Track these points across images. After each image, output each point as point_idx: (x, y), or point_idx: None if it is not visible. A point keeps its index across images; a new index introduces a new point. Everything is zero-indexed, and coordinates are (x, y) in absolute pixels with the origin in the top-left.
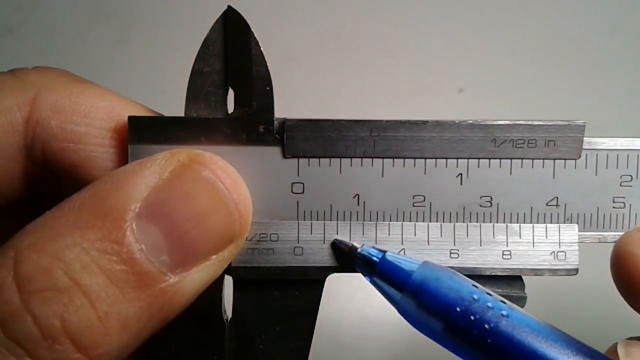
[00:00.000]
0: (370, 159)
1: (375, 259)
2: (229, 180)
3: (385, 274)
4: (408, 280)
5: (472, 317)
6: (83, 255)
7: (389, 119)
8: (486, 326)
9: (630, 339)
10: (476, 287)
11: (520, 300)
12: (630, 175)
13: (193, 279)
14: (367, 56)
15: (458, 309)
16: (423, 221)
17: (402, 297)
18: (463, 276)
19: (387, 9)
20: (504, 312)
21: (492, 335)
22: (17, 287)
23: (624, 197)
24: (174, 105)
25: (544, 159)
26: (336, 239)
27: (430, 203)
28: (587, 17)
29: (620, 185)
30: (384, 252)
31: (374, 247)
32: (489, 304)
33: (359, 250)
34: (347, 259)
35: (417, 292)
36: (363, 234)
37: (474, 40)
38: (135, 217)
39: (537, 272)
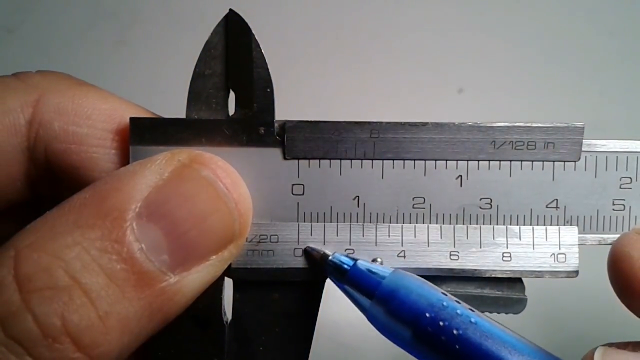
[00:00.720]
0: (370, 161)
1: (346, 266)
2: (229, 180)
3: (355, 282)
4: (378, 288)
5: (440, 323)
6: (83, 254)
7: (389, 120)
8: (455, 332)
9: (610, 345)
10: (445, 294)
11: (521, 303)
12: (630, 178)
13: (193, 279)
14: (367, 56)
15: (427, 315)
16: (423, 223)
17: (372, 305)
18: (432, 284)
19: (386, 9)
20: (472, 319)
21: (461, 341)
22: (18, 286)
23: (623, 199)
24: (173, 106)
25: (543, 161)
26: (308, 247)
27: (430, 205)
28: (587, 17)
29: (620, 187)
30: (355, 260)
31: (345, 255)
32: (458, 311)
33: (330, 257)
34: (319, 266)
35: (386, 299)
36: (363, 236)
37: (474, 40)
38: (135, 216)
39: (537, 274)
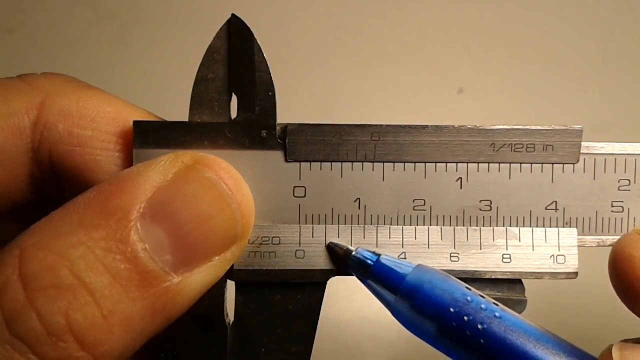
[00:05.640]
0: (371, 163)
1: (369, 261)
2: (232, 182)
3: (379, 277)
4: (402, 283)
5: (465, 318)
6: (88, 253)
7: (389, 120)
8: (479, 326)
9: (625, 341)
10: (469, 289)
11: (521, 304)
12: (628, 180)
13: (195, 280)
14: (368, 57)
15: (452, 310)
16: (423, 225)
17: (396, 299)
18: (456, 279)
19: (387, 9)
20: (497, 314)
21: (485, 335)
22: (22, 285)
23: (622, 201)
24: (174, 106)
25: (542, 163)
26: (331, 242)
27: (431, 207)
28: (587, 17)
29: (619, 189)
30: (378, 255)
31: (368, 250)
32: (482, 306)
33: (353, 253)
34: (341, 261)
35: (410, 294)
36: (364, 238)
37: (474, 40)
38: (139, 217)
39: (536, 275)
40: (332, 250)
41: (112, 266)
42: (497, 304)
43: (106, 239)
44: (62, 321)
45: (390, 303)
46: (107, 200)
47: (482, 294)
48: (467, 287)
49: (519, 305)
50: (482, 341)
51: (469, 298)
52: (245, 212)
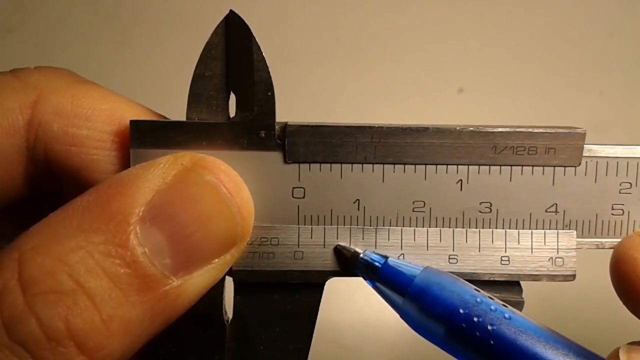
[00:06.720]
0: (371, 165)
1: (377, 264)
2: (232, 184)
3: (387, 279)
4: (410, 285)
5: (475, 319)
6: (87, 258)
7: (389, 120)
8: (489, 328)
9: (632, 343)
10: (478, 291)
11: (518, 305)
12: (630, 183)
13: (195, 282)
14: (368, 57)
15: (461, 311)
16: (423, 226)
17: (405, 302)
18: (465, 281)
19: (387, 9)
20: (507, 315)
21: (496, 336)
22: (22, 290)
23: (622, 204)
24: (174, 106)
25: (544, 166)
26: (338, 245)
27: (430, 208)
28: (587, 17)
29: (620, 192)
30: (386, 257)
31: (376, 253)
32: (492, 307)
33: (361, 255)
34: (349, 264)
35: (419, 296)
36: (363, 239)
37: (474, 40)
38: (139, 220)
39: (534, 277)
40: (340, 253)
41: (112, 270)
42: (506, 306)
43: (105, 243)
44: (61, 326)
45: (398, 305)
46: (106, 204)
47: (490, 296)
48: (476, 289)
49: (516, 306)
50: (492, 342)
51: (478, 299)
52: (245, 214)
